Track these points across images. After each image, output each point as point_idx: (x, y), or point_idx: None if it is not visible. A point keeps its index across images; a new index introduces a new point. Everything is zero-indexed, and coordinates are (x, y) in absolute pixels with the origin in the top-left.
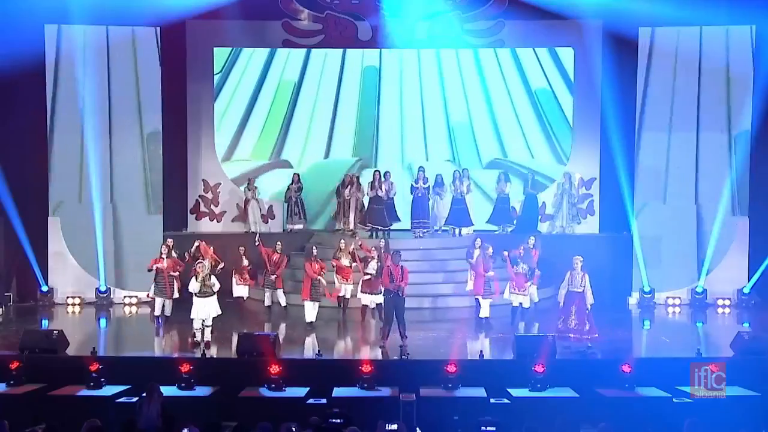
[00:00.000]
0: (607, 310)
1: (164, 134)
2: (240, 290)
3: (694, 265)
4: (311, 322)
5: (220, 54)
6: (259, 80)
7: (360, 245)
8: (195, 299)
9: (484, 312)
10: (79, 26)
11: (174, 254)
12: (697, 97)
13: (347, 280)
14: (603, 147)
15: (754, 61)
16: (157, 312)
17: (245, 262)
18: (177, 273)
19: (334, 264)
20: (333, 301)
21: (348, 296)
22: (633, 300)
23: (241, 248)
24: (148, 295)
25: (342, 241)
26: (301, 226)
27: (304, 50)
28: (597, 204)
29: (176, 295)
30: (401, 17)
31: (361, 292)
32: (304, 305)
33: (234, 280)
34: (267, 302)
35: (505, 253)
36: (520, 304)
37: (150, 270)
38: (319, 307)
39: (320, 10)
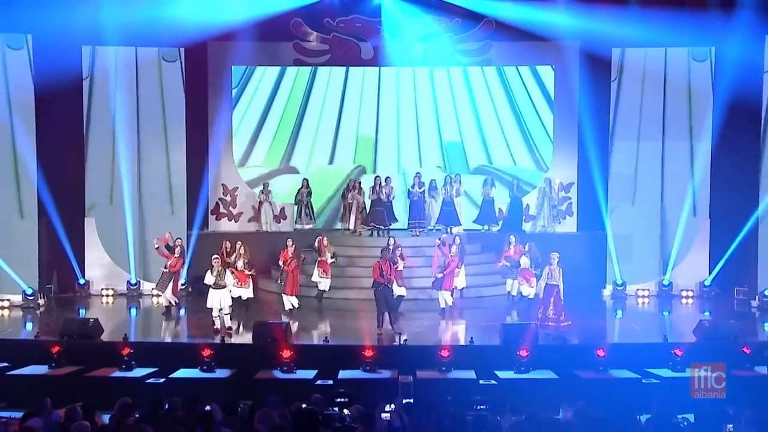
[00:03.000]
0: (584, 301)
1: (187, 143)
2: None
3: (661, 261)
4: (288, 309)
5: (237, 70)
6: (270, 95)
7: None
8: (210, 291)
9: (443, 302)
10: (112, 47)
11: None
12: (663, 110)
13: (327, 275)
14: (580, 154)
15: (714, 78)
16: (165, 303)
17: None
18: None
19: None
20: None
21: (327, 288)
22: (607, 292)
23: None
24: (152, 289)
25: (324, 239)
26: (310, 226)
27: (309, 71)
28: (575, 206)
29: (171, 294)
30: (400, 39)
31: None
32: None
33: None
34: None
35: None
36: (527, 294)
37: (166, 269)
38: (324, 298)
39: (327, 32)
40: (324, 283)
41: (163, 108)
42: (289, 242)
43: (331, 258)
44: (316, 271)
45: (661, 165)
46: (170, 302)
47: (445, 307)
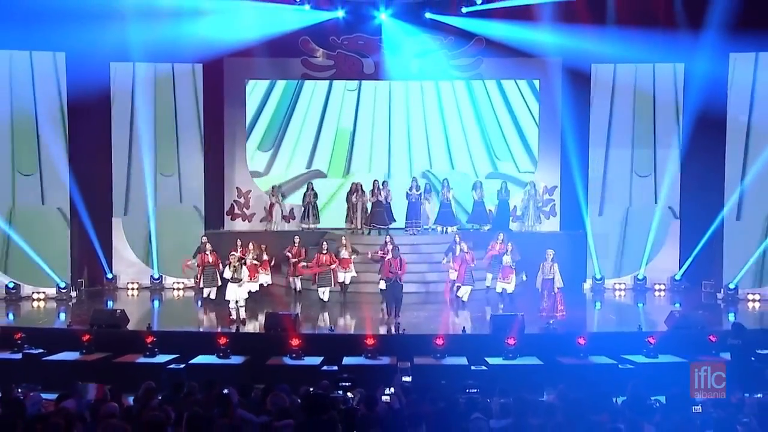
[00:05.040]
0: (566, 294)
1: (205, 150)
2: (263, 278)
3: (636, 257)
4: (325, 301)
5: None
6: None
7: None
8: (228, 284)
9: (465, 296)
10: (138, 64)
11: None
12: (638, 120)
13: (346, 269)
14: (563, 160)
15: (684, 91)
16: (205, 295)
17: (265, 256)
18: (218, 265)
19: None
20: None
21: (348, 282)
22: (587, 285)
23: (262, 245)
24: (198, 285)
25: (343, 237)
26: (315, 226)
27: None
28: (558, 207)
29: (219, 283)
30: (399, 55)
31: (381, 279)
32: (318, 290)
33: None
34: (293, 286)
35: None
36: (504, 290)
37: (199, 266)
38: (330, 291)
39: (332, 49)
40: (344, 277)
41: (185, 119)
42: (296, 239)
43: (352, 254)
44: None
45: (636, 170)
46: (209, 295)
47: (464, 301)
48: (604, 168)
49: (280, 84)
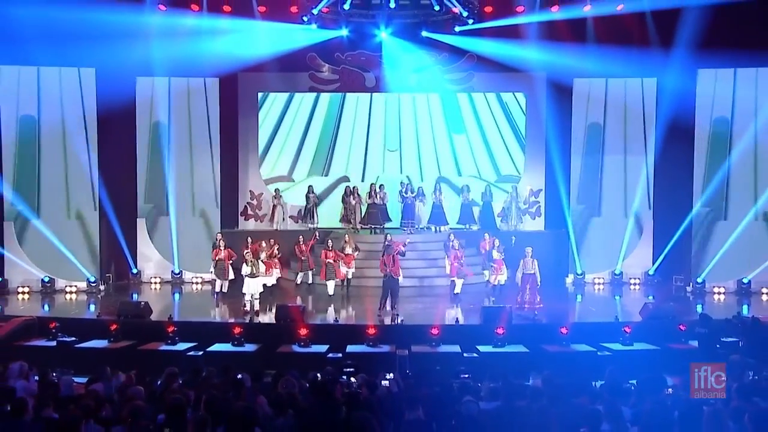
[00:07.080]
0: (550, 288)
1: (221, 156)
2: (276, 273)
3: (614, 254)
4: (330, 294)
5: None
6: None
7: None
8: (246, 279)
9: (457, 289)
10: (162, 78)
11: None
12: (615, 130)
13: (349, 265)
14: (547, 166)
15: (657, 103)
16: (217, 289)
17: (276, 251)
18: (231, 260)
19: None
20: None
21: (350, 277)
22: (569, 280)
23: (271, 240)
24: (211, 272)
25: (347, 235)
26: (316, 226)
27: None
28: (543, 208)
29: (231, 276)
30: (398, 69)
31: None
32: (326, 283)
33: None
34: (299, 281)
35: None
36: (499, 281)
37: (214, 260)
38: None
39: (337, 64)
40: (348, 272)
41: (202, 127)
42: (301, 238)
43: (354, 251)
44: (341, 263)
45: (614, 175)
46: (221, 288)
47: (457, 293)
48: (584, 173)
49: (324, 98)
